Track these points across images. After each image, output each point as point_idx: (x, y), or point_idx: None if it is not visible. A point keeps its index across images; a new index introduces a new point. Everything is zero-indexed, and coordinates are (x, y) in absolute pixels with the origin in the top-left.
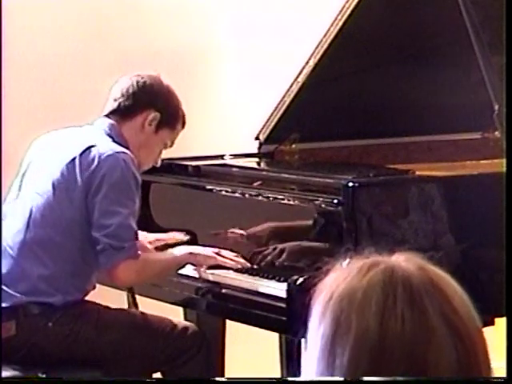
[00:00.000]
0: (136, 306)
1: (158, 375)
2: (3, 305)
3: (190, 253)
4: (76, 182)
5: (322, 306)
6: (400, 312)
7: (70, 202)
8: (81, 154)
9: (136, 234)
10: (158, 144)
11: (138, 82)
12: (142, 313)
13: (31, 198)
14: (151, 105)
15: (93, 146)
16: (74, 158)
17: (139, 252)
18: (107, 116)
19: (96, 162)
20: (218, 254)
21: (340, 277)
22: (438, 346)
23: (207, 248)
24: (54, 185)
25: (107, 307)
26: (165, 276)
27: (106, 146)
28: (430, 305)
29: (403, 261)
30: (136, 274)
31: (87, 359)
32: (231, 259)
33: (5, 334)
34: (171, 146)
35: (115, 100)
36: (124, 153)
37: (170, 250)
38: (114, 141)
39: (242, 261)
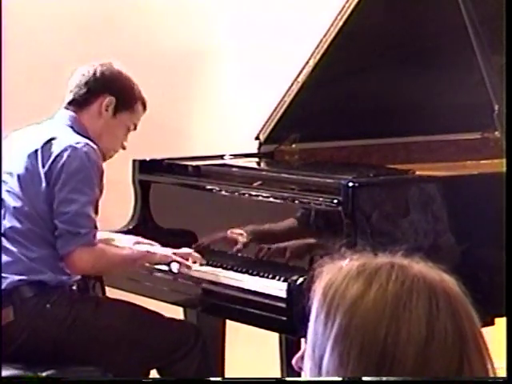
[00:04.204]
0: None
1: (155, 374)
2: None
3: (148, 251)
4: (39, 175)
5: (329, 305)
6: (443, 321)
7: (36, 195)
8: (42, 147)
9: (94, 223)
10: (118, 128)
11: (89, 72)
12: (139, 305)
13: (2, 194)
14: (104, 90)
15: (53, 139)
16: (35, 151)
17: (96, 241)
18: (66, 108)
19: (56, 154)
20: (175, 253)
21: (345, 273)
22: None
23: (164, 248)
24: (20, 180)
25: (105, 296)
26: (121, 270)
27: (66, 138)
28: (464, 314)
29: (423, 267)
30: (92, 262)
31: (85, 345)
32: (188, 254)
33: (3, 320)
34: (135, 129)
35: (71, 91)
36: (84, 143)
37: (130, 247)
38: (76, 132)
39: (198, 256)
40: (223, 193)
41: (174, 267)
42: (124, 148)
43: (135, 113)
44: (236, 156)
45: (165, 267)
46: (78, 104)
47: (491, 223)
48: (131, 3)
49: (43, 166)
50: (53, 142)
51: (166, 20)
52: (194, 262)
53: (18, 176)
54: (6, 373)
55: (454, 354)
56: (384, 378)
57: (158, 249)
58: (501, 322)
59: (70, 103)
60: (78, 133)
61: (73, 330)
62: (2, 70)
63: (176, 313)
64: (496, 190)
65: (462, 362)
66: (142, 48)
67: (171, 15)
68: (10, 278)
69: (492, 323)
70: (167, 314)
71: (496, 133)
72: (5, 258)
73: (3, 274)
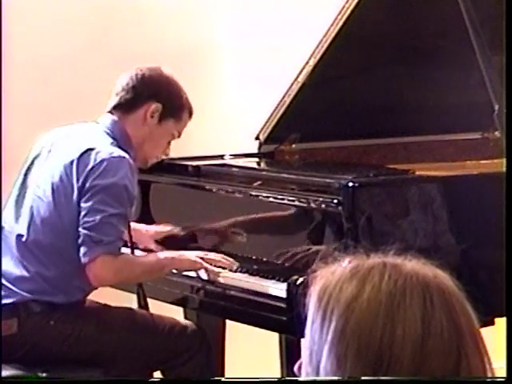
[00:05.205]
0: (147, 307)
1: (158, 374)
2: (6, 301)
3: (174, 258)
4: (73, 186)
5: (324, 309)
6: (439, 317)
7: (68, 206)
8: (79, 157)
9: (120, 234)
10: (163, 136)
11: (137, 75)
12: (143, 311)
13: (32, 200)
14: (152, 96)
15: (91, 149)
16: (72, 161)
17: (120, 251)
18: (110, 112)
19: (91, 166)
20: (203, 258)
21: (338, 277)
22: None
23: (192, 252)
24: (53, 189)
25: (108, 306)
26: (147, 280)
27: (104, 149)
28: (459, 309)
29: (416, 264)
30: (114, 272)
31: (88, 358)
32: (218, 260)
33: (7, 331)
34: (179, 137)
35: (117, 95)
36: (121, 157)
37: (155, 254)
38: (116, 141)
39: (230, 260)
40: (223, 193)
41: (203, 274)
42: (167, 155)
43: (181, 121)
44: (236, 156)
45: (191, 273)
46: (123, 109)
47: (491, 223)
48: (132, 3)
49: (77, 179)
50: (90, 152)
51: (166, 20)
52: (224, 268)
53: (53, 184)
54: (6, 373)
55: (451, 349)
56: (384, 378)
57: (186, 254)
58: (501, 322)
59: (114, 107)
60: (118, 141)
61: (75, 345)
62: (2, 70)
63: (176, 313)
64: (496, 190)
65: (459, 357)
66: (141, 48)
67: (171, 15)
68: (20, 295)
69: (492, 323)
70: (167, 314)
71: (496, 133)
72: (19, 272)
73: (14, 288)
